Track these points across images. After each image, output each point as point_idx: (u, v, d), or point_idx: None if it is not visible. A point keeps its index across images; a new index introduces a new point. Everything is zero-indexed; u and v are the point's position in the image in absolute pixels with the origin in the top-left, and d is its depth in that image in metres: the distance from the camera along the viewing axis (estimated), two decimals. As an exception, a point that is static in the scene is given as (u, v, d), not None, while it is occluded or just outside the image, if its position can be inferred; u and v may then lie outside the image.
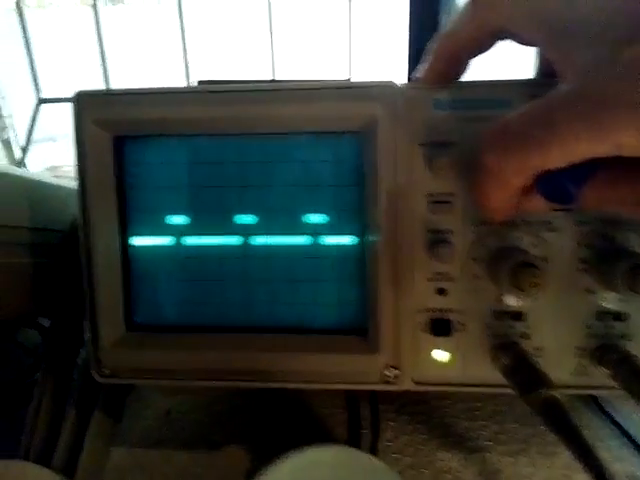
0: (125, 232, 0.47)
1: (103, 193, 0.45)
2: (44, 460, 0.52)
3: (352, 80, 0.47)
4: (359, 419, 0.57)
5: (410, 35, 1.22)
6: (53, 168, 1.39)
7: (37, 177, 0.56)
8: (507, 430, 0.55)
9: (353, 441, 0.55)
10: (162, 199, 0.47)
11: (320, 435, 0.56)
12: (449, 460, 0.52)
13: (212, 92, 0.45)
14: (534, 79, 0.43)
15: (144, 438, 0.57)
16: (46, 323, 0.68)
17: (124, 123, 0.45)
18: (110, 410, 0.57)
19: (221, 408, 0.59)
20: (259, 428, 0.57)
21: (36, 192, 0.54)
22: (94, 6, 1.45)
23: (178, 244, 0.47)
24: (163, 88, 0.45)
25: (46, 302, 0.58)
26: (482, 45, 0.40)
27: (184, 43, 1.38)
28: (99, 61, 1.51)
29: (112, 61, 1.54)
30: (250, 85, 0.45)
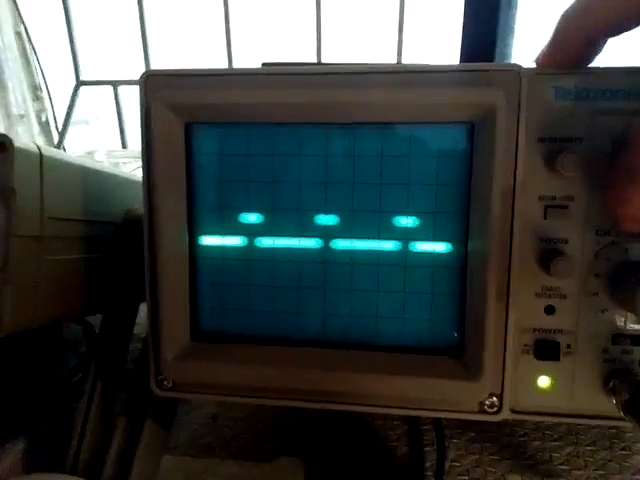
0: (193, 230, 0.42)
1: (172, 186, 0.40)
2: (93, 473, 0.48)
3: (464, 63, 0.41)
4: (421, 435, 0.52)
5: (464, 23, 1.16)
6: (90, 153, 1.36)
7: (91, 165, 0.52)
8: (582, 453, 0.50)
9: (416, 460, 0.50)
10: (234, 194, 0.42)
11: (378, 452, 0.51)
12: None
13: (293, 75, 0.39)
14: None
15: (191, 445, 0.53)
16: (89, 318, 0.64)
17: (197, 108, 0.40)
18: (162, 419, 0.52)
19: (271, 415, 0.55)
20: (312, 440, 0.52)
21: (91, 182, 0.50)
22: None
23: (251, 245, 0.42)
24: (242, 69, 0.40)
25: (97, 299, 0.54)
26: (627, 21, 0.33)
27: (228, 26, 1.33)
28: (139, 43, 1.47)
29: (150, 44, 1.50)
30: (336, 67, 0.39)
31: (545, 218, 0.38)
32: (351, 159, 0.40)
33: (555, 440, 0.51)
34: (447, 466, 0.49)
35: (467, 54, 1.15)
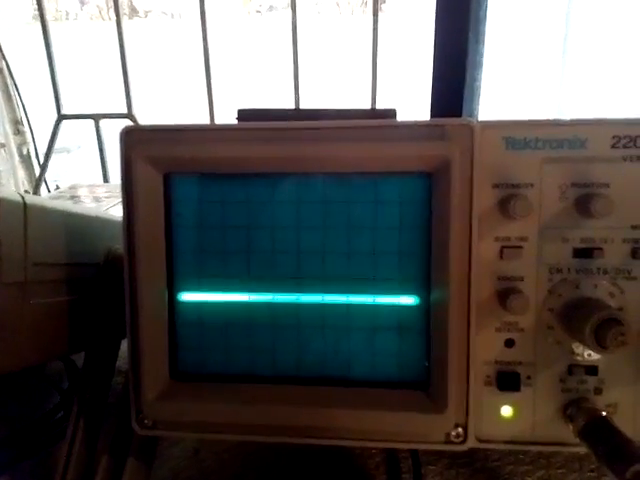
0: (172, 277, 0.44)
1: (152, 234, 0.43)
2: (76, 511, 0.48)
3: (397, 111, 0.44)
4: (398, 462, 0.54)
5: (435, 58, 1.21)
6: (73, 187, 1.37)
7: (73, 209, 0.54)
8: (553, 476, 0.52)
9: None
10: (210, 241, 0.44)
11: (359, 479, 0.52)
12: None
13: (261, 130, 0.42)
14: (613, 119, 0.41)
15: (173, 478, 0.54)
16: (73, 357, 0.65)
17: (175, 160, 0.42)
18: (144, 456, 0.53)
19: (252, 449, 0.56)
20: (293, 471, 0.53)
21: (73, 226, 0.52)
22: (118, 22, 1.43)
23: (227, 300, 0.45)
24: (217, 125, 0.42)
25: (79, 338, 0.55)
26: None
27: (208, 69, 1.36)
28: (120, 76, 1.49)
29: (131, 73, 1.52)
30: (303, 123, 0.42)
31: (501, 258, 0.41)
32: (321, 205, 0.43)
33: (527, 464, 0.53)
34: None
35: (438, 87, 1.20)
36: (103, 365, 0.55)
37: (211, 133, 0.42)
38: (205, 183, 0.44)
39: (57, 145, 1.60)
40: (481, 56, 1.23)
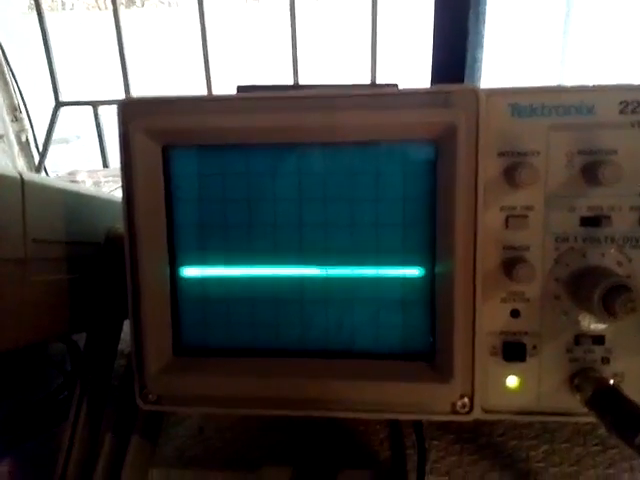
0: (174, 250, 0.44)
1: (151, 207, 0.42)
2: (81, 489, 0.48)
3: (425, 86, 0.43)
4: (402, 437, 0.54)
5: (435, 38, 1.19)
6: (72, 173, 1.36)
7: (73, 188, 0.53)
8: (558, 450, 0.51)
9: (398, 463, 0.51)
10: (211, 214, 0.44)
11: (362, 456, 0.52)
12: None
13: (264, 99, 0.41)
14: (621, 84, 0.40)
15: (178, 457, 0.54)
16: (74, 336, 0.65)
17: (174, 132, 0.41)
18: (149, 433, 0.53)
19: (256, 425, 0.56)
20: (296, 447, 0.53)
21: (72, 204, 0.51)
22: (114, 10, 1.42)
23: (229, 274, 0.44)
24: (211, 96, 0.42)
25: (80, 317, 0.55)
26: None
27: (205, 48, 1.35)
28: (118, 65, 1.48)
29: (128, 63, 1.51)
30: (307, 91, 0.42)
31: (507, 228, 0.41)
32: (322, 177, 0.42)
33: (532, 439, 0.52)
34: (428, 467, 0.50)
35: (438, 68, 1.19)
36: (105, 346, 0.54)
37: (210, 104, 0.42)
38: (205, 155, 0.43)
39: (56, 136, 1.59)
40: (482, 36, 1.22)
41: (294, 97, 0.41)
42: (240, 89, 0.47)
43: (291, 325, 0.44)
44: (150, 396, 0.44)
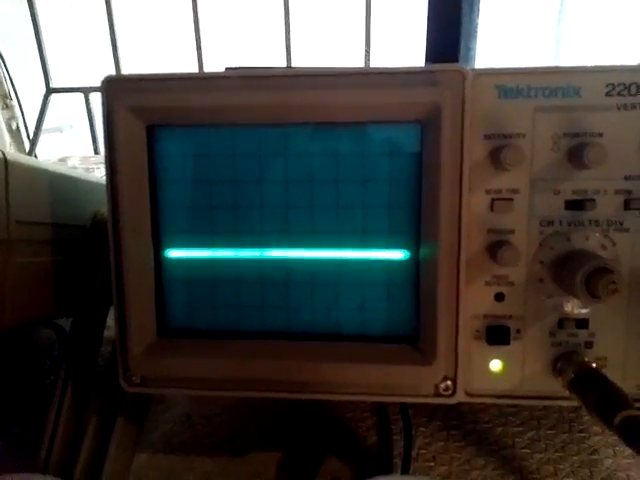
0: (158, 231, 0.44)
1: (136, 189, 0.42)
2: (64, 472, 0.48)
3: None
4: (389, 424, 0.54)
5: (428, 28, 1.19)
6: (63, 159, 1.35)
7: (60, 170, 0.53)
8: (543, 437, 0.52)
9: (385, 449, 0.52)
10: (197, 196, 0.43)
11: (349, 443, 0.52)
12: (485, 469, 0.49)
13: (252, 78, 0.41)
14: (608, 65, 0.40)
15: (166, 443, 0.54)
16: (61, 322, 0.65)
17: (159, 111, 0.41)
18: (134, 417, 0.53)
19: (244, 411, 0.56)
20: (284, 433, 0.54)
21: (59, 186, 0.51)
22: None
23: (215, 256, 0.44)
24: (198, 74, 0.41)
25: (66, 301, 0.54)
26: None
27: (197, 32, 1.33)
28: (109, 50, 1.46)
29: (125, 48, 1.49)
30: (294, 70, 0.41)
31: (492, 210, 0.41)
32: (308, 158, 0.42)
33: (518, 425, 0.53)
34: (415, 453, 0.51)
35: (431, 58, 1.18)
36: (91, 330, 0.54)
37: (196, 82, 0.41)
38: (190, 135, 0.43)
39: (49, 125, 1.57)
40: (476, 26, 1.21)
41: (279, 75, 0.41)
42: (228, 70, 0.47)
43: (276, 307, 0.44)
44: (134, 378, 0.44)
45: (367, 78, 0.40)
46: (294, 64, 1.46)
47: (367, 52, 1.25)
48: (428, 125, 0.39)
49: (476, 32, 1.20)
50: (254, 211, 0.43)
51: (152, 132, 0.42)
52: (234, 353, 0.43)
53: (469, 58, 1.21)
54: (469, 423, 0.53)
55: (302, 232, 0.43)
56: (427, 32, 1.18)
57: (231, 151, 0.42)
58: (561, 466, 0.48)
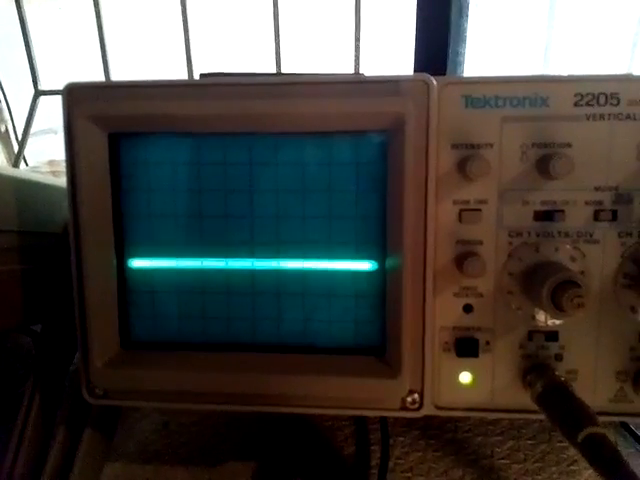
0: (122, 242, 0.43)
1: (97, 198, 0.41)
2: (29, 484, 0.47)
3: (368, 74, 0.42)
4: (367, 434, 0.54)
5: (417, 31, 1.18)
6: (52, 162, 1.35)
7: (29, 177, 0.52)
8: (523, 447, 0.51)
9: (362, 459, 0.51)
10: (161, 205, 0.43)
11: (326, 451, 0.52)
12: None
13: (215, 85, 0.40)
14: (576, 75, 0.39)
15: (140, 452, 0.53)
16: (39, 329, 0.64)
17: (120, 119, 0.40)
18: (103, 428, 0.52)
19: (222, 420, 0.56)
20: (261, 442, 0.53)
21: (27, 193, 0.50)
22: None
23: (179, 266, 0.44)
24: (162, 81, 0.40)
25: (37, 309, 0.53)
26: None
27: (187, 34, 1.33)
28: (99, 52, 1.46)
29: (115, 51, 1.49)
30: (258, 78, 0.41)
31: (460, 221, 0.40)
32: (273, 167, 0.41)
33: (497, 435, 0.52)
34: (392, 464, 0.50)
35: (420, 62, 1.18)
36: (61, 338, 0.53)
37: (160, 90, 0.40)
38: (153, 144, 0.42)
39: (43, 126, 1.57)
40: (465, 30, 1.21)
41: (244, 84, 0.40)
42: (203, 76, 0.46)
43: (242, 318, 0.44)
44: (97, 390, 0.44)
45: (333, 87, 0.39)
46: (285, 68, 1.45)
47: (357, 57, 1.25)
48: (393, 135, 0.39)
49: (465, 36, 1.20)
50: (219, 220, 0.42)
51: (114, 140, 0.41)
52: (199, 365, 0.42)
53: (458, 62, 1.21)
54: (448, 432, 0.53)
55: (268, 242, 0.42)
56: (415, 36, 1.18)
57: (195, 159, 0.42)
58: (540, 477, 0.48)
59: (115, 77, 1.48)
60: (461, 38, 1.21)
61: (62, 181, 0.61)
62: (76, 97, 0.40)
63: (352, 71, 1.41)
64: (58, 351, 0.53)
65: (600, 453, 0.32)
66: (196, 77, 0.47)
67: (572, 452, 0.50)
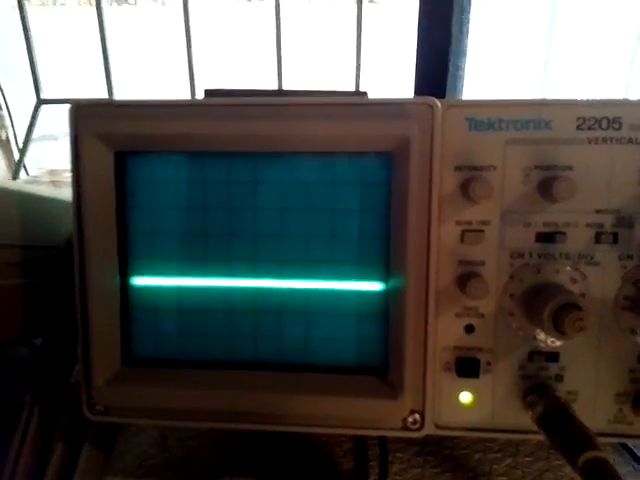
0: (125, 259, 0.43)
1: (102, 215, 0.41)
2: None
3: (367, 94, 0.43)
4: (366, 449, 0.53)
5: (418, 45, 1.19)
6: (53, 172, 1.35)
7: (30, 190, 0.52)
8: (521, 464, 0.51)
9: (360, 474, 0.51)
10: (165, 223, 0.43)
11: (325, 467, 0.52)
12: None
13: (219, 106, 0.41)
14: (579, 100, 0.40)
15: (138, 466, 0.53)
16: (39, 342, 0.64)
17: (127, 138, 0.41)
18: (102, 443, 0.52)
19: (220, 435, 0.55)
20: (260, 457, 0.52)
21: (29, 207, 0.50)
22: (98, 6, 1.40)
23: (182, 284, 0.44)
24: (168, 101, 0.41)
25: (38, 322, 0.53)
26: None
27: (189, 49, 1.34)
28: (102, 63, 1.47)
29: (116, 62, 1.50)
30: (263, 99, 0.41)
31: (462, 242, 0.40)
32: (278, 186, 0.42)
33: (496, 452, 0.52)
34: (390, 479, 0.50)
35: (421, 75, 1.19)
36: (61, 352, 0.53)
37: (166, 109, 0.41)
38: (159, 162, 0.42)
39: (44, 132, 1.57)
40: (465, 45, 1.22)
41: (248, 105, 0.40)
42: (207, 93, 0.46)
43: (244, 337, 0.44)
44: (97, 407, 0.44)
45: (336, 109, 0.39)
46: (289, 79, 1.46)
47: (357, 75, 1.26)
48: (397, 156, 0.39)
49: (465, 50, 1.21)
50: (223, 239, 0.43)
51: (120, 158, 0.42)
52: (201, 383, 0.42)
53: (458, 77, 1.22)
54: (446, 449, 0.53)
55: (271, 261, 0.42)
56: (417, 50, 1.19)
57: (200, 178, 0.42)
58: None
59: (116, 85, 1.49)
60: (462, 52, 1.22)
61: (63, 193, 0.61)
62: (83, 115, 0.40)
63: (353, 85, 1.42)
64: (58, 365, 0.53)
65: (600, 478, 0.32)
66: (200, 91, 0.47)
67: (569, 470, 0.50)
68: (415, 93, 1.20)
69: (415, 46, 1.18)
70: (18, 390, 0.62)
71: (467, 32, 1.20)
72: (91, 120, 0.40)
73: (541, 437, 0.41)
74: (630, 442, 0.49)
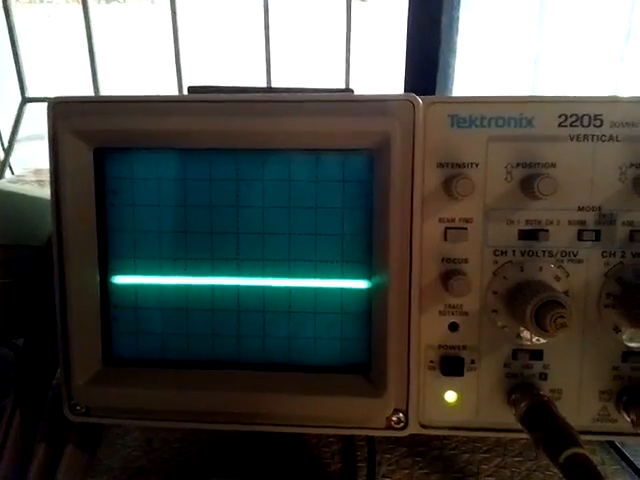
0: (105, 258, 0.43)
1: (81, 213, 0.41)
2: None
3: (355, 92, 0.42)
4: (355, 450, 0.53)
5: (408, 43, 1.19)
6: (38, 171, 1.34)
7: (14, 189, 0.52)
8: (509, 464, 0.51)
9: (348, 475, 0.51)
10: (146, 220, 0.42)
11: (313, 468, 0.51)
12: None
13: (201, 102, 0.40)
14: (560, 96, 0.40)
15: (124, 469, 0.52)
16: (21, 343, 0.63)
17: (106, 134, 0.40)
18: (85, 444, 0.52)
19: (207, 437, 0.55)
20: (247, 459, 0.52)
21: (11, 206, 0.50)
22: (84, 3, 1.39)
23: (163, 282, 0.43)
24: (148, 97, 0.40)
25: (20, 322, 0.53)
26: None
27: (177, 46, 1.33)
28: (88, 62, 1.45)
29: (103, 61, 1.49)
30: (246, 95, 0.41)
31: (445, 239, 0.40)
32: (260, 184, 0.41)
33: (484, 452, 0.52)
34: (378, 480, 0.50)
35: (410, 73, 1.19)
36: (43, 352, 0.52)
37: (146, 105, 0.40)
38: (139, 159, 0.42)
39: (30, 132, 1.55)
40: (455, 42, 1.22)
41: (230, 101, 0.40)
42: (191, 90, 0.46)
43: (227, 336, 0.43)
44: (78, 407, 0.43)
45: (319, 106, 0.39)
46: (279, 77, 1.46)
47: (347, 73, 1.26)
48: (379, 153, 0.39)
49: (455, 48, 1.21)
50: (205, 237, 0.42)
51: (99, 155, 0.41)
52: (183, 383, 0.42)
53: (448, 74, 1.22)
54: (435, 449, 0.53)
55: (254, 259, 0.42)
56: (406, 47, 1.19)
57: (181, 175, 0.41)
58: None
59: (103, 83, 1.47)
60: (452, 50, 1.22)
61: (47, 192, 0.60)
62: (61, 111, 0.40)
63: (343, 81, 1.42)
64: (40, 365, 0.52)
65: (581, 474, 0.32)
66: (185, 88, 0.46)
67: (556, 471, 0.50)
68: (405, 91, 1.20)
69: (405, 44, 1.18)
70: (2, 391, 0.61)
71: (457, 30, 1.20)
72: (69, 117, 0.39)
73: (526, 435, 0.41)
74: (615, 440, 0.49)
